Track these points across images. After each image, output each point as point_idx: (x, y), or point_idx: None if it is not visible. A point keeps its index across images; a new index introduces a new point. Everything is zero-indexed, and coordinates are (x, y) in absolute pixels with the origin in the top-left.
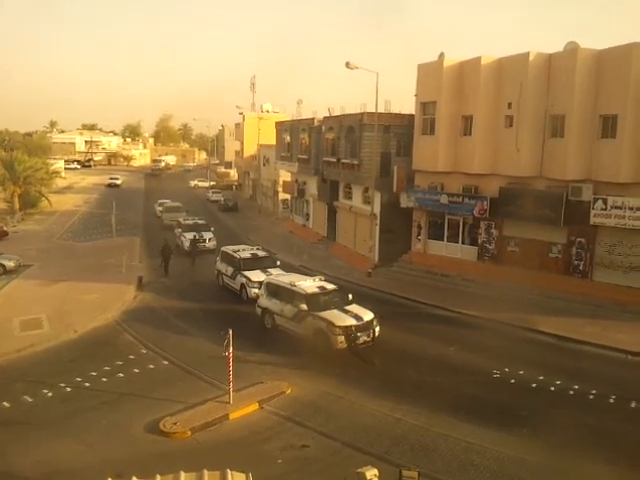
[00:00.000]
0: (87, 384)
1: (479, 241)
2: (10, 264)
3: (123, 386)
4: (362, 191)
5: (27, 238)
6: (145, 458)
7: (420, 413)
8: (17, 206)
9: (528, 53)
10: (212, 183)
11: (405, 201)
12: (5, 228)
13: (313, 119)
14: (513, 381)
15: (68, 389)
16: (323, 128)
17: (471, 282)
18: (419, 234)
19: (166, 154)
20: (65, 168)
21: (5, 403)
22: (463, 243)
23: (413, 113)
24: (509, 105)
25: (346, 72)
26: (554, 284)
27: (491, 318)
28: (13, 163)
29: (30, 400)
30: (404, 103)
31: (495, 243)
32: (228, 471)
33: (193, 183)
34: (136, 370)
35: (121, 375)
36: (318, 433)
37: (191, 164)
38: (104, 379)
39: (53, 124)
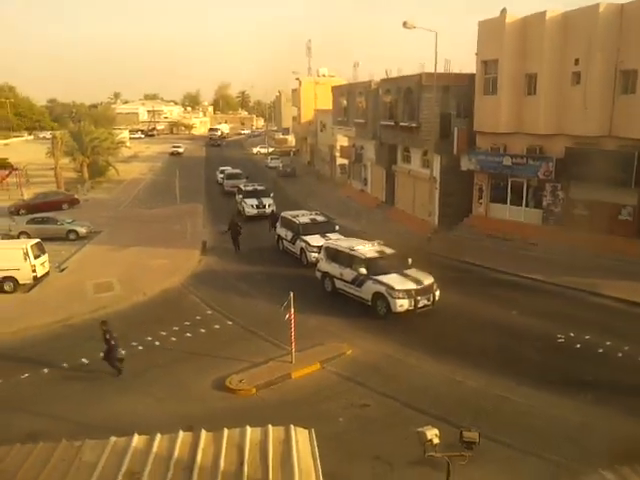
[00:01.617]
0: (157, 343)
1: (544, 204)
2: (82, 230)
3: (191, 345)
4: (421, 154)
5: (96, 206)
6: (212, 413)
7: (481, 376)
8: (86, 175)
9: (598, 4)
10: (271, 149)
11: (466, 163)
12: (76, 196)
13: (370, 82)
14: (578, 346)
15: (140, 347)
16: (380, 91)
17: (535, 246)
18: (480, 197)
19: (225, 121)
20: (130, 138)
21: (84, 359)
22: (527, 206)
23: (474, 72)
24: (576, 61)
25: (404, 33)
26: (623, 247)
27: (556, 282)
28: (81, 134)
29: None
30: (464, 63)
31: (561, 206)
32: (292, 427)
33: (255, 150)
34: (202, 330)
35: (189, 335)
36: (378, 393)
37: (246, 131)
38: (173, 338)
39: (117, 95)
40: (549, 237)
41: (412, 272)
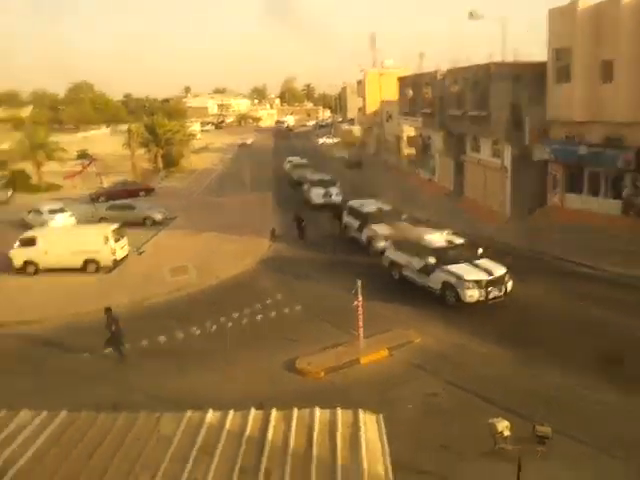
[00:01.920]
0: (230, 324)
1: (623, 194)
2: (158, 216)
3: (262, 327)
4: (491, 144)
5: (170, 194)
6: (282, 393)
7: (555, 370)
8: (160, 165)
9: None
10: (337, 140)
11: (539, 153)
12: (151, 185)
13: (436, 72)
14: None
15: (214, 328)
16: (447, 81)
17: (613, 237)
18: (555, 187)
19: (291, 113)
20: (201, 130)
21: (162, 337)
22: (605, 197)
23: (544, 61)
24: None
25: (471, 23)
26: None
27: (636, 275)
28: (155, 127)
29: (182, 336)
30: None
31: None
32: (360, 411)
33: (320, 141)
34: (273, 313)
35: (260, 317)
36: (447, 382)
37: (311, 122)
38: (245, 320)
39: (187, 89)
40: (629, 229)
41: (483, 262)
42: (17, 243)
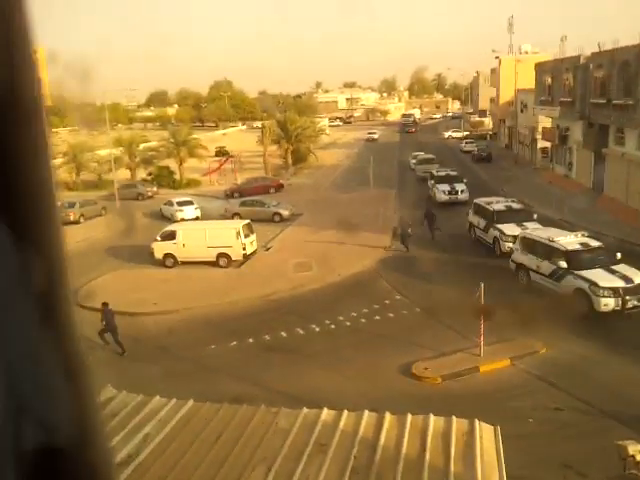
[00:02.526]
0: (348, 323)
1: None
2: (285, 213)
3: (379, 328)
4: (637, 135)
5: (298, 190)
6: (397, 397)
7: None
8: (290, 161)
9: None
10: (465, 133)
11: None
12: (281, 181)
13: (579, 57)
14: None
15: (332, 326)
16: (591, 66)
17: None
18: None
19: (420, 106)
20: (329, 125)
21: (283, 333)
22: None
23: None
24: None
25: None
26: None
27: None
28: (286, 123)
29: (302, 332)
30: None
31: None
32: (476, 421)
33: (447, 134)
34: (391, 314)
35: (377, 318)
36: (573, 397)
37: (437, 115)
38: (363, 320)
39: (318, 85)
40: None
41: (621, 268)
42: (158, 237)
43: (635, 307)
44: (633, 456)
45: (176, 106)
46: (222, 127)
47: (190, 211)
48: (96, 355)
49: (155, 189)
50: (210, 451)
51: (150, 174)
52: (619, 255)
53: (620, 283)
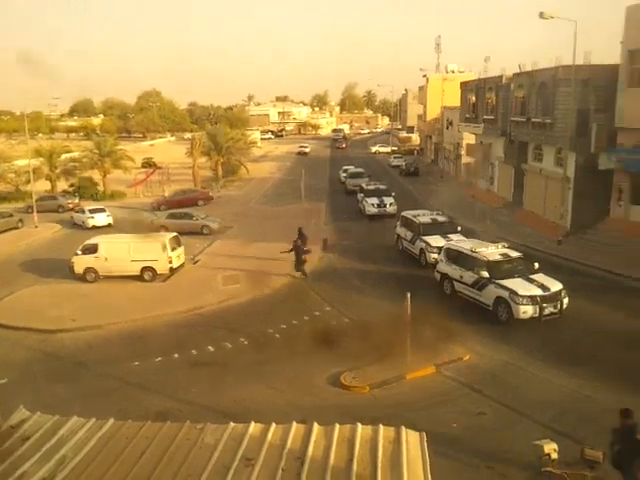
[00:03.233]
0: (277, 335)
1: None
2: (214, 226)
3: (309, 339)
4: (554, 152)
5: (228, 203)
6: (326, 407)
7: (611, 392)
8: (220, 174)
9: None
10: (393, 148)
11: (605, 162)
12: (210, 193)
13: (501, 77)
14: None
15: (261, 339)
16: (512, 86)
17: None
18: (620, 199)
19: (350, 121)
20: (260, 138)
21: (210, 347)
22: None
23: (617, 64)
24: None
25: (540, 24)
26: None
27: None
28: (217, 135)
29: (230, 346)
30: (604, 55)
31: None
32: (403, 428)
33: (374, 149)
34: (321, 326)
35: (307, 330)
36: (496, 402)
37: (365, 130)
38: (293, 332)
39: (250, 97)
40: None
41: (539, 277)
42: (78, 250)
43: (551, 314)
44: (548, 454)
45: (101, 116)
46: (150, 138)
47: (102, 218)
48: (9, 375)
49: (77, 201)
50: (131, 471)
51: (72, 185)
52: (537, 265)
53: (538, 291)
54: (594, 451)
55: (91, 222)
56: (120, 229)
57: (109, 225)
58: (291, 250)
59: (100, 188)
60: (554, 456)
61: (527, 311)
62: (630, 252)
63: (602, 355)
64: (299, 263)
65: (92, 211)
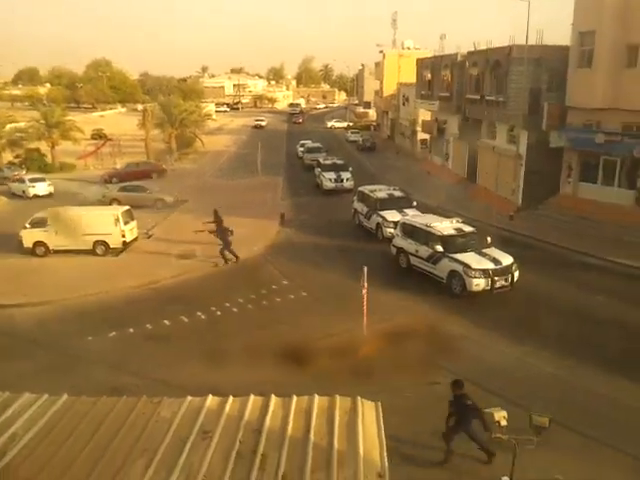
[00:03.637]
0: (235, 309)
1: (637, 185)
2: (169, 199)
3: (267, 313)
4: (507, 130)
5: (183, 176)
6: (284, 381)
7: (559, 362)
8: (174, 146)
9: None
10: (348, 123)
11: (555, 140)
12: (164, 166)
13: (456, 54)
14: None
15: (218, 313)
16: (467, 63)
17: (626, 229)
18: (569, 176)
19: (307, 95)
20: (215, 111)
21: (166, 321)
22: (619, 186)
23: (568, 45)
24: None
25: (495, 2)
26: None
27: None
28: (170, 107)
29: (186, 320)
30: (558, 34)
31: None
32: (359, 398)
33: (330, 124)
34: (278, 299)
35: (265, 303)
36: (449, 371)
37: (321, 105)
38: (250, 306)
39: (204, 69)
40: None
41: (491, 251)
42: (27, 224)
43: (503, 287)
44: (498, 422)
45: (48, 85)
46: (100, 109)
47: (42, 187)
48: None
49: (23, 173)
50: (86, 447)
51: (17, 157)
52: (489, 239)
53: (490, 265)
54: (541, 418)
55: (32, 191)
56: (65, 200)
57: (50, 194)
58: (212, 232)
59: (48, 160)
60: (504, 423)
61: (479, 284)
62: (578, 228)
63: (551, 326)
64: (226, 246)
65: (32, 180)
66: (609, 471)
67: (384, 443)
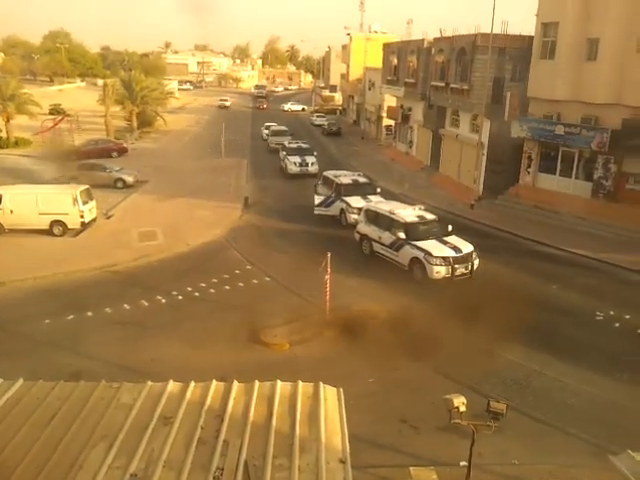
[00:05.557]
0: (197, 294)
1: (594, 177)
2: (129, 179)
3: (229, 298)
4: (470, 118)
5: (144, 155)
6: (246, 365)
7: (516, 349)
8: (135, 124)
9: None
10: (303, 107)
11: (516, 130)
12: (125, 145)
13: (423, 40)
14: (617, 325)
15: (180, 297)
16: (433, 50)
17: (582, 220)
18: (529, 166)
19: (273, 76)
20: (178, 89)
21: (125, 305)
22: (576, 178)
23: (532, 35)
24: None
25: None
26: None
27: (600, 259)
28: (131, 83)
29: (146, 304)
30: (523, 26)
31: (612, 179)
32: (321, 384)
33: (286, 107)
34: (241, 284)
35: (227, 288)
36: (409, 358)
37: (280, 88)
38: (212, 290)
39: (168, 45)
40: (598, 211)
41: (452, 239)
42: None
43: (463, 274)
44: (457, 407)
45: (2, 54)
46: (58, 83)
47: None
48: None
49: None
50: (43, 432)
51: None
52: (450, 227)
53: (451, 253)
54: (499, 404)
55: None
56: (20, 177)
57: None
58: None
59: (3, 134)
60: (462, 409)
61: (440, 271)
62: (536, 217)
63: (508, 314)
64: None
65: None
66: (562, 456)
67: (345, 428)
